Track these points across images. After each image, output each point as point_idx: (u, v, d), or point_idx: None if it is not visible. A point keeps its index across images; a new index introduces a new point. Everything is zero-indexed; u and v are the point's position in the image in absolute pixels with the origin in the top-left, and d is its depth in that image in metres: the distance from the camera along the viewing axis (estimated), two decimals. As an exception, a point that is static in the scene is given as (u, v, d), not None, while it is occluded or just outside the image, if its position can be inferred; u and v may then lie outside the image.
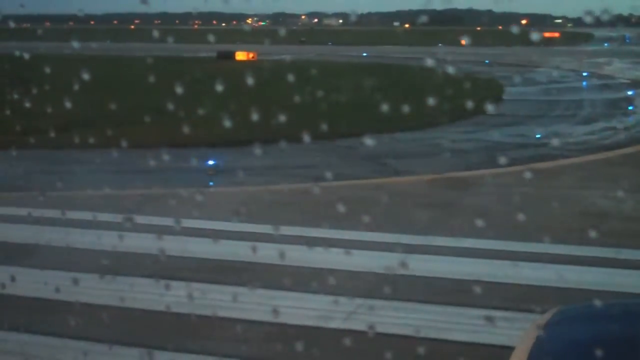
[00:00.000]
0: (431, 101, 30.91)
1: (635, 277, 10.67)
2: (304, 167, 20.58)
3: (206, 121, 20.81)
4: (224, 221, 13.83)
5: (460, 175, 19.24)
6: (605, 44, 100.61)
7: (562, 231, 12.77)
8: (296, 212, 14.89)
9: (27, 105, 23.50)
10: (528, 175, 17.28)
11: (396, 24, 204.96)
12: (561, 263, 11.05)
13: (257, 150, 22.61)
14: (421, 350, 7.55)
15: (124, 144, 21.17)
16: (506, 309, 9.19)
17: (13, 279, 9.66)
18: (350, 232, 12.74)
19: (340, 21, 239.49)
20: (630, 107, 35.32)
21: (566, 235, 12.35)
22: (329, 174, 19.46)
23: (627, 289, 9.84)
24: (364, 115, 27.04)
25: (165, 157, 21.84)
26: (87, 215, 13.49)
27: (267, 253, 10.99)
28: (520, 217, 12.17)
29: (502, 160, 20.58)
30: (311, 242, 12.12)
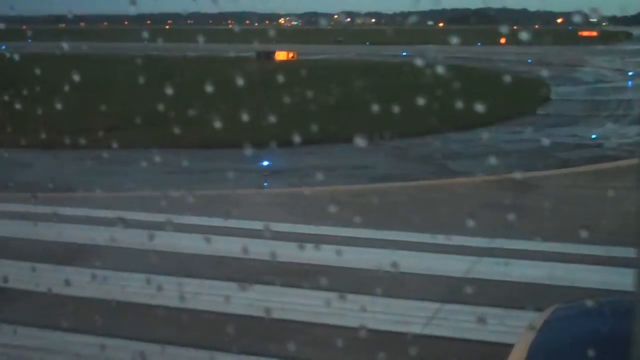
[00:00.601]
0: (479, 101, 30.69)
1: None
2: (360, 167, 20.32)
3: (255, 121, 20.68)
4: (293, 223, 13.60)
5: (521, 176, 18.81)
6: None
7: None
8: (361, 213, 14.58)
9: (75, 105, 23.63)
10: (590, 176, 16.88)
11: (430, 23, 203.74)
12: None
13: (309, 150, 22.59)
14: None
15: (175, 144, 21.26)
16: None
17: (94, 277, 9.64)
18: (422, 235, 12.44)
19: (373, 20, 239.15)
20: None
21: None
22: (387, 175, 19.24)
23: None
24: (414, 116, 26.61)
25: (216, 157, 21.85)
26: (159, 217, 13.37)
27: (346, 256, 10.84)
28: (591, 219, 11.81)
29: (561, 161, 20.15)
30: (384, 245, 11.90)
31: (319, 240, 12.20)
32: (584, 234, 11.24)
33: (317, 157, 21.62)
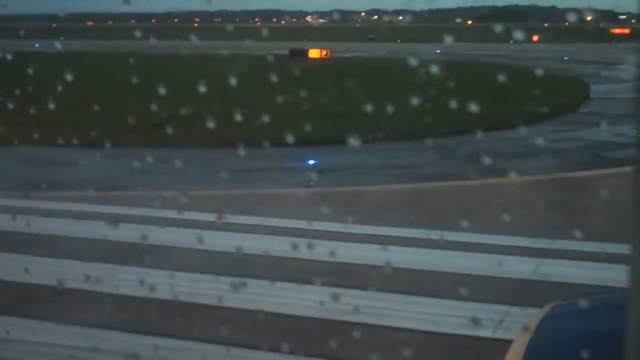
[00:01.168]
0: (519, 99, 30.36)
1: None
2: (406, 166, 20.13)
3: (295, 119, 20.57)
4: (345, 223, 13.40)
5: (572, 175, 18.55)
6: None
7: None
8: (415, 213, 14.41)
9: (113, 103, 23.68)
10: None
11: (458, 20, 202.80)
12: None
13: (353, 148, 22.41)
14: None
15: (218, 142, 21.20)
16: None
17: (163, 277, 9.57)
18: (480, 236, 12.21)
19: (400, 18, 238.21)
20: None
21: None
22: (434, 174, 19.02)
23: None
24: (455, 114, 26.33)
25: (262, 155, 21.73)
26: (208, 217, 13.30)
27: (401, 257, 10.67)
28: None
29: (610, 160, 19.82)
30: (442, 245, 11.68)
31: (387, 241, 12.09)
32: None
33: (363, 155, 21.46)
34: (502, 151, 22.53)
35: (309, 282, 9.89)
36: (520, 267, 10.91)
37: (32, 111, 23.11)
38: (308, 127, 20.68)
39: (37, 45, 72.58)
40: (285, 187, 17.81)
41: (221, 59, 40.92)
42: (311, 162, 19.11)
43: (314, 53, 64.22)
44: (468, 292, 9.13)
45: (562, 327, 4.07)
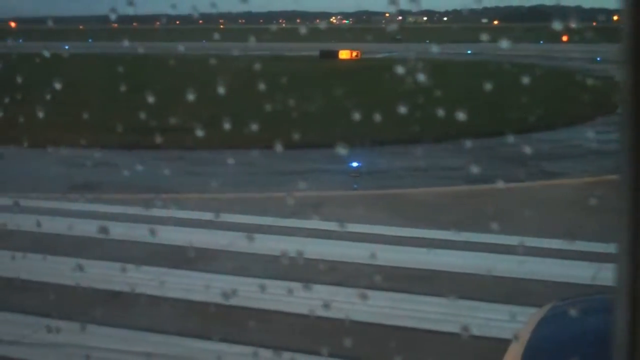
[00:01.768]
0: (558, 100, 29.97)
1: None
2: (450, 168, 19.79)
3: (332, 121, 20.40)
4: (393, 226, 13.16)
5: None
6: None
7: None
8: (465, 215, 14.11)
9: (152, 106, 23.52)
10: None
11: (484, 20, 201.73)
12: None
13: (394, 150, 22.17)
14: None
15: (258, 144, 21.01)
16: None
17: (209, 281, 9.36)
18: (539, 240, 11.84)
19: (425, 18, 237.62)
20: None
21: None
22: (480, 177, 18.67)
23: None
24: (494, 115, 26.08)
25: (303, 157, 21.54)
26: (255, 219, 13.13)
27: (449, 260, 10.41)
28: None
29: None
30: (492, 249, 11.41)
31: (438, 245, 11.82)
32: None
33: (405, 157, 21.19)
34: (543, 153, 22.16)
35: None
36: (579, 272, 10.59)
37: (73, 114, 23.15)
38: (351, 129, 20.59)
39: (66, 47, 73.19)
40: (329, 190, 17.58)
41: (252, 60, 40.75)
42: (354, 164, 18.80)
43: (344, 54, 63.89)
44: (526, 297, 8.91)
45: (562, 326, 4.02)
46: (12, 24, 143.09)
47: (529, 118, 23.06)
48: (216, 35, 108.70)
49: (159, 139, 19.06)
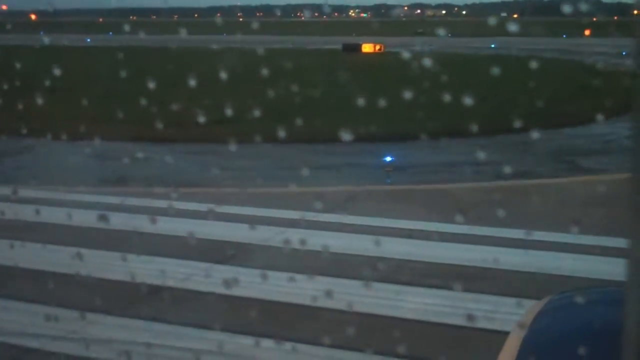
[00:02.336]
0: (588, 95, 29.65)
1: None
2: (484, 163, 19.60)
3: (364, 115, 20.27)
4: (436, 222, 13.02)
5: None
6: None
7: None
8: (507, 212, 13.94)
9: (183, 98, 23.55)
10: None
11: (503, 14, 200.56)
12: None
13: (426, 145, 22.01)
14: None
15: (290, 138, 20.95)
16: None
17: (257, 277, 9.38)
18: (582, 237, 11.65)
19: (444, 12, 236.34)
20: None
21: None
22: (516, 172, 18.53)
23: None
24: (525, 109, 25.85)
25: (334, 152, 21.47)
26: (291, 214, 13.05)
27: (502, 258, 10.25)
28: None
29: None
30: (548, 247, 11.25)
31: (472, 240, 11.71)
32: None
33: (437, 151, 21.07)
34: (577, 148, 22.01)
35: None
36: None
37: (106, 106, 23.19)
38: (386, 123, 20.51)
39: (88, 40, 73.45)
40: (362, 184, 17.49)
41: (278, 54, 40.66)
42: (388, 158, 18.67)
43: (367, 47, 63.58)
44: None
45: (559, 319, 3.97)
46: (33, 16, 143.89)
47: (563, 112, 22.88)
48: (236, 29, 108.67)
49: (194, 132, 19.08)
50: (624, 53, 59.69)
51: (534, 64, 41.90)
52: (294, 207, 14.08)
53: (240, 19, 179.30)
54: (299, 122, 22.37)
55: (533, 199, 14.94)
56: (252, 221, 12.57)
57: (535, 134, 21.75)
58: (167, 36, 71.57)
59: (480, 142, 21.88)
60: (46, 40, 71.08)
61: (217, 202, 14.06)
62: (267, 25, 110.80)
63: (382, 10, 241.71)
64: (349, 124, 21.34)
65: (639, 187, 1.11)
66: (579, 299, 4.01)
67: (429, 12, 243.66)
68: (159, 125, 18.85)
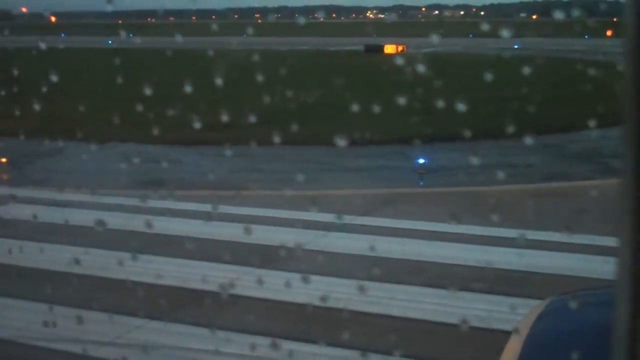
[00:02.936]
0: (614, 96, 29.34)
1: None
2: (518, 166, 19.45)
3: (393, 117, 20.19)
4: (475, 225, 12.92)
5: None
6: None
7: None
8: (544, 215, 13.82)
9: (205, 100, 23.57)
10: None
11: (523, 15, 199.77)
12: None
13: (457, 146, 21.85)
14: None
15: (319, 140, 20.93)
16: None
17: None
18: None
19: (462, 13, 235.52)
20: None
21: None
22: (552, 174, 18.40)
23: None
24: (555, 111, 25.68)
25: (364, 154, 21.40)
26: (327, 217, 13.01)
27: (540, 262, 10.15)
28: None
29: None
30: (587, 250, 11.15)
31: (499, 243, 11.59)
32: None
33: (468, 154, 20.91)
34: (608, 150, 21.78)
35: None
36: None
37: (137, 109, 23.16)
38: (415, 125, 20.40)
39: (110, 42, 73.73)
40: (395, 187, 17.42)
41: (300, 56, 40.64)
42: (421, 160, 18.56)
43: (389, 48, 63.48)
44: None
45: (562, 320, 3.94)
46: (53, 19, 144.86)
47: (593, 114, 22.67)
48: (255, 30, 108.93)
49: (224, 135, 19.11)
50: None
51: (560, 65, 41.78)
52: (329, 211, 14.04)
53: (259, 21, 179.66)
54: (332, 124, 22.42)
55: (575, 201, 14.84)
56: (289, 224, 12.63)
57: (553, 137, 21.63)
58: (188, 38, 71.87)
59: (509, 144, 21.74)
60: (69, 42, 71.41)
61: (263, 205, 14.18)
62: (285, 27, 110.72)
63: (400, 11, 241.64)
64: (382, 127, 21.25)
65: (628, 189, 1.11)
66: (581, 300, 3.96)
67: (447, 13, 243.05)
68: (201, 128, 19.06)
